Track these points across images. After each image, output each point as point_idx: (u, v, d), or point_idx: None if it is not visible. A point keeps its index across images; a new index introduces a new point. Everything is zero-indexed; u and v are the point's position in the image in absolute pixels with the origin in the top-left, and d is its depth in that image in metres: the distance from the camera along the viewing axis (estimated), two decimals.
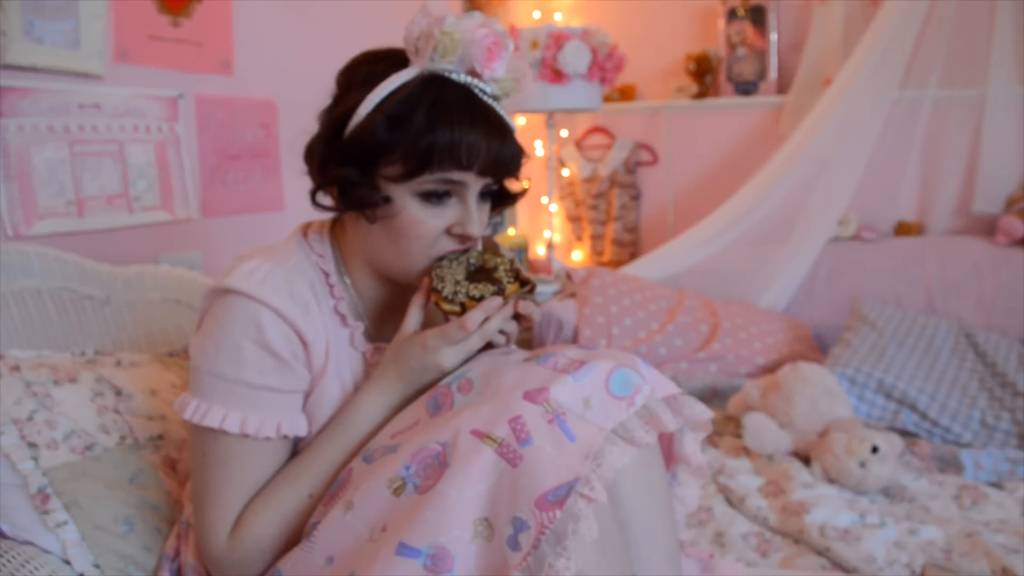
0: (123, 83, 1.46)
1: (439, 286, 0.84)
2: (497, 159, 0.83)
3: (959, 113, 2.25)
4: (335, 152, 0.84)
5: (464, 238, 0.86)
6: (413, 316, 0.87)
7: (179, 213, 1.59)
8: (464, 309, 0.84)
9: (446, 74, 0.83)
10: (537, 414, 0.73)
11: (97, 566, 0.90)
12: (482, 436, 0.72)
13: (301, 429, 0.86)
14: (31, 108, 1.31)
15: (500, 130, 0.84)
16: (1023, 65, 2.16)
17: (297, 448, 0.88)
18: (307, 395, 0.87)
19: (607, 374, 0.79)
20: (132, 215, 1.49)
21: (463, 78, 0.84)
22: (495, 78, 0.85)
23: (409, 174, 0.81)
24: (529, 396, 0.74)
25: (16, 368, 1.02)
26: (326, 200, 0.89)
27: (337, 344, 0.89)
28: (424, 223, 0.84)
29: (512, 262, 0.88)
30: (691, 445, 0.93)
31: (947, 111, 2.27)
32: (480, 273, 0.87)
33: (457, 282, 0.85)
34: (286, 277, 0.84)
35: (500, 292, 0.84)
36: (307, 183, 0.92)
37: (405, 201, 0.83)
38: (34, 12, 1.28)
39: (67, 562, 0.89)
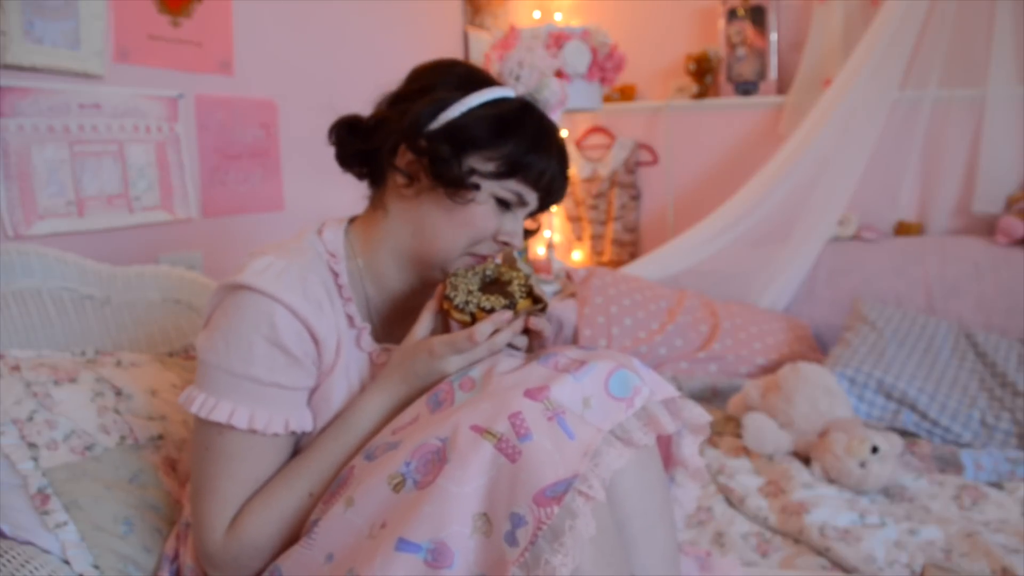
0: (123, 83, 1.46)
1: (452, 294, 0.86)
2: (561, 191, 0.95)
3: (959, 113, 2.25)
4: (428, 128, 0.88)
5: (504, 246, 0.93)
6: (424, 322, 0.89)
7: (179, 213, 1.59)
8: (474, 319, 0.85)
9: (538, 106, 0.94)
10: (537, 411, 0.73)
11: (97, 567, 0.90)
12: (481, 431, 0.72)
13: (307, 424, 0.86)
14: (31, 108, 1.31)
15: (567, 166, 0.95)
16: (1023, 65, 2.16)
17: (298, 445, 0.88)
18: (313, 391, 0.87)
19: (607, 375, 0.79)
20: (132, 215, 1.49)
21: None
22: None
23: (498, 175, 0.88)
24: (529, 393, 0.75)
25: (16, 368, 1.02)
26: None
27: (346, 343, 0.89)
28: (488, 221, 0.90)
29: (528, 278, 0.90)
30: (689, 448, 0.93)
31: (947, 111, 2.27)
32: (494, 285, 0.88)
33: (470, 292, 0.86)
34: (299, 274, 0.85)
35: (511, 306, 0.85)
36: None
37: (486, 196, 0.89)
38: (34, 12, 1.28)
39: (67, 562, 0.89)
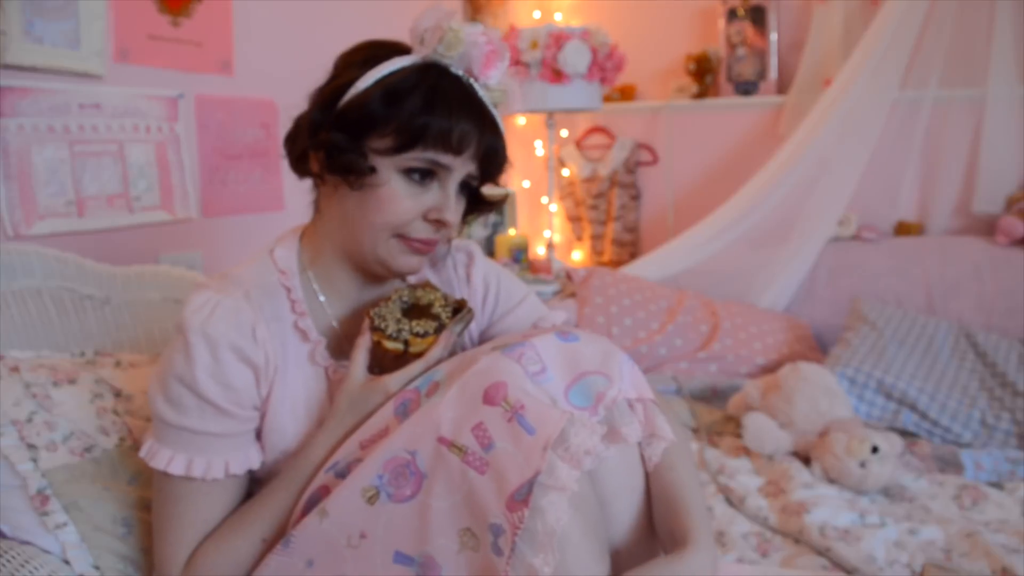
0: (123, 83, 1.46)
1: (381, 325, 0.85)
2: (487, 150, 0.86)
3: (959, 113, 2.25)
4: (327, 119, 0.85)
5: (439, 224, 0.87)
6: (359, 362, 0.86)
7: (179, 213, 1.59)
8: (407, 346, 0.85)
9: (447, 66, 0.86)
10: (497, 415, 0.72)
11: (96, 567, 0.90)
12: (448, 444, 0.72)
13: (253, 462, 0.85)
14: (31, 108, 1.31)
15: (493, 125, 0.86)
16: (1023, 65, 2.16)
17: (255, 474, 0.88)
18: (263, 417, 0.86)
19: (565, 388, 0.78)
20: (132, 215, 1.49)
21: (462, 74, 0.86)
22: (488, 85, 0.88)
23: (398, 149, 0.82)
24: (488, 398, 0.74)
25: (16, 369, 1.02)
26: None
27: (296, 363, 0.87)
28: (403, 200, 0.84)
29: (445, 297, 0.90)
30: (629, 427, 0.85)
31: (947, 111, 2.27)
32: (415, 310, 0.88)
33: (399, 320, 0.86)
34: (234, 306, 0.83)
35: (441, 327, 0.86)
36: (306, 183, 0.93)
37: (389, 174, 0.84)
38: (34, 12, 1.28)
39: (67, 562, 0.89)
